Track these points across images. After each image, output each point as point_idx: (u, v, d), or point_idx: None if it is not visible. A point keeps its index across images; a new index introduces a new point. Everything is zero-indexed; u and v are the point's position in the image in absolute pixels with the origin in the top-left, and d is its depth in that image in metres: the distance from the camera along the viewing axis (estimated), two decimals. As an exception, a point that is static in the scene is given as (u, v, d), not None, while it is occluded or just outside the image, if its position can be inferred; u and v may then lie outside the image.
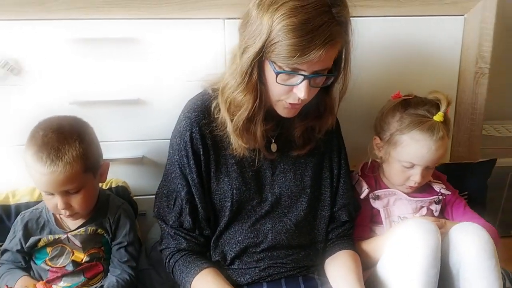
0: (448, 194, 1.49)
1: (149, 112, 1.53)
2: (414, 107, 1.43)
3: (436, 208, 1.49)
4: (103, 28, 1.44)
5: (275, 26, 1.13)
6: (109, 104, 1.50)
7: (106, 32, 1.44)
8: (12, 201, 1.49)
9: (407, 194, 1.48)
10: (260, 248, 1.34)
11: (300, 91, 1.18)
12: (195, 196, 1.31)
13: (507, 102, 1.95)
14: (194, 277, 1.27)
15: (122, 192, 1.50)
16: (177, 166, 1.32)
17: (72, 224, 1.37)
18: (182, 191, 1.31)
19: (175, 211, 1.32)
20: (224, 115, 1.27)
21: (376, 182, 1.52)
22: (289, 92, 1.20)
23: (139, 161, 1.56)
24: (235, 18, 1.46)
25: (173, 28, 1.47)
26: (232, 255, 1.33)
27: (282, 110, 1.26)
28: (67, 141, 1.27)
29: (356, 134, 1.49)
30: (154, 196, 1.41)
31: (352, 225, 1.44)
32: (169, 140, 1.37)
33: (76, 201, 1.30)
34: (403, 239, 1.30)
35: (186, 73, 1.51)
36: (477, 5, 1.55)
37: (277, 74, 1.16)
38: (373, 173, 1.53)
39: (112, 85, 1.49)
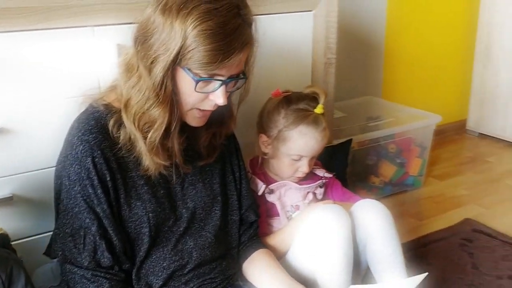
0: (330, 177, 1.62)
1: (17, 141, 1.31)
2: (296, 103, 1.50)
3: (320, 191, 1.61)
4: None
5: (190, 32, 1.07)
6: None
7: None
8: None
9: (296, 182, 1.56)
10: (187, 270, 1.26)
11: (219, 97, 1.15)
12: (109, 229, 1.17)
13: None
14: None
15: (1, 241, 1.25)
16: (81, 198, 1.15)
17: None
18: (92, 226, 1.16)
19: (87, 250, 1.16)
20: (133, 133, 1.16)
21: (265, 177, 1.57)
22: (205, 99, 1.16)
23: (8, 201, 1.33)
24: (105, 25, 1.36)
25: (37, 40, 1.28)
26: (160, 283, 1.23)
27: (193, 119, 1.21)
28: None
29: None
30: (25, 240, 1.29)
31: (259, 223, 1.45)
32: (55, 170, 1.20)
33: None
34: (317, 225, 1.37)
35: (59, 90, 1.34)
36: (321, 1, 1.69)
37: (197, 82, 1.11)
38: (260, 169, 1.57)
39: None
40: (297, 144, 1.48)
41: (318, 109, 1.49)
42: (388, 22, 2.71)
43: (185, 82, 1.12)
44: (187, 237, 1.28)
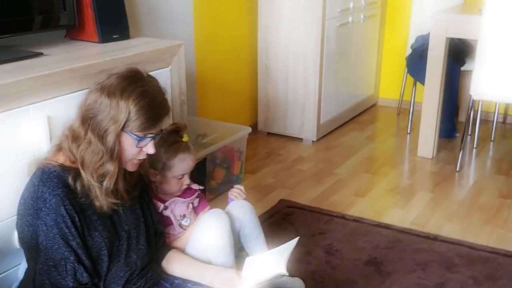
0: (202, 188, 2.19)
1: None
2: (168, 139, 1.98)
3: (197, 201, 2.15)
4: None
5: (132, 108, 1.57)
6: None
7: None
8: None
9: (180, 196, 2.08)
10: (135, 275, 1.72)
11: (150, 148, 1.66)
12: (82, 256, 1.58)
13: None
14: None
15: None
16: (59, 238, 1.54)
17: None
18: (71, 257, 1.55)
19: (70, 275, 1.56)
20: (90, 184, 1.59)
21: (159, 198, 2.05)
22: (140, 151, 1.65)
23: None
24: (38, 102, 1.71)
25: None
26: (120, 288, 1.69)
27: (131, 166, 1.69)
28: None
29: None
30: None
31: (165, 232, 1.97)
32: (21, 222, 1.57)
33: None
34: (209, 223, 1.93)
35: (6, 160, 1.65)
36: (174, 59, 2.24)
37: (139, 140, 1.60)
38: (154, 194, 2.06)
39: None
40: (179, 168, 1.97)
41: (185, 138, 2.00)
42: (196, 53, 3.28)
43: (127, 142, 1.61)
44: (131, 252, 1.72)
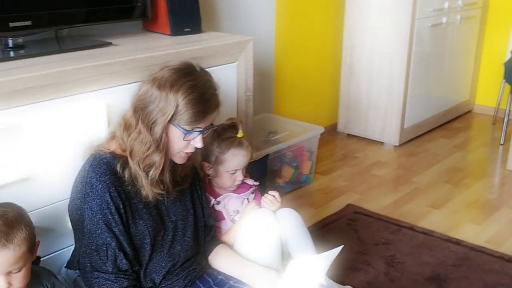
0: (257, 184, 2.16)
1: (36, 185, 1.68)
2: (223, 133, 1.99)
3: (252, 197, 2.13)
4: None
5: (181, 101, 1.57)
6: (2, 188, 1.60)
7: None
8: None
9: (234, 192, 2.06)
10: (177, 266, 1.74)
11: (198, 142, 1.65)
12: (124, 243, 1.61)
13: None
14: None
15: (36, 261, 1.62)
16: (102, 223, 1.59)
17: (10, 298, 1.48)
18: (112, 242, 1.59)
19: (110, 260, 1.59)
20: (137, 173, 1.62)
21: (213, 193, 2.04)
22: (188, 145, 1.66)
23: (31, 232, 1.69)
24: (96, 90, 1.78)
25: (50, 108, 1.67)
26: (160, 279, 1.70)
27: (179, 159, 1.69)
28: (15, 226, 1.41)
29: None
30: (45, 258, 1.64)
31: (216, 226, 1.97)
32: (72, 205, 1.64)
33: (17, 279, 1.44)
34: (257, 224, 1.90)
35: (65, 144, 1.72)
36: (241, 55, 2.23)
37: (185, 134, 1.60)
38: (208, 187, 2.06)
39: (3, 170, 1.60)
40: (231, 163, 1.96)
41: (240, 134, 1.98)
42: (276, 51, 3.26)
43: (175, 134, 1.62)
44: (175, 243, 1.74)
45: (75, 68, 1.69)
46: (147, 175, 1.62)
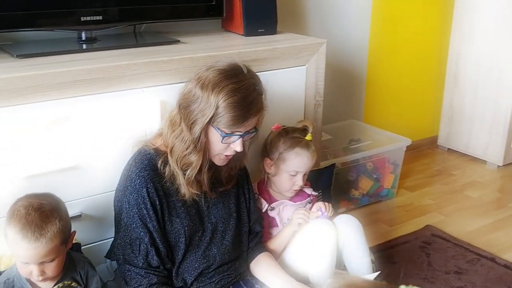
0: (316, 195, 2.07)
1: (84, 174, 1.75)
2: (292, 133, 1.94)
3: (308, 207, 2.05)
4: (41, 110, 1.63)
5: (221, 104, 1.53)
6: (52, 174, 1.68)
7: (45, 113, 1.63)
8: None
9: (290, 199, 1.99)
10: (211, 269, 1.71)
11: (238, 146, 1.61)
12: (157, 239, 1.61)
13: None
14: None
15: (76, 248, 1.70)
16: (137, 217, 1.60)
17: (44, 285, 1.55)
18: (145, 238, 1.60)
19: (141, 255, 1.61)
20: (176, 171, 1.61)
21: (269, 196, 2.00)
22: (227, 147, 1.62)
23: (78, 218, 1.76)
24: (151, 86, 1.80)
25: (102, 100, 1.72)
26: (192, 279, 1.69)
27: (218, 160, 1.66)
28: (49, 219, 1.46)
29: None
30: (89, 246, 1.68)
31: (263, 232, 1.92)
32: (115, 196, 1.67)
33: (50, 268, 1.49)
34: (313, 234, 1.82)
35: (116, 136, 1.77)
36: (312, 58, 2.15)
37: (224, 137, 1.57)
38: (265, 188, 2.01)
39: (53, 157, 1.67)
40: (294, 162, 1.90)
41: (308, 137, 1.93)
42: (370, 54, 3.10)
43: (214, 136, 1.59)
44: (212, 245, 1.72)
45: (129, 63, 1.73)
46: (184, 174, 1.62)
